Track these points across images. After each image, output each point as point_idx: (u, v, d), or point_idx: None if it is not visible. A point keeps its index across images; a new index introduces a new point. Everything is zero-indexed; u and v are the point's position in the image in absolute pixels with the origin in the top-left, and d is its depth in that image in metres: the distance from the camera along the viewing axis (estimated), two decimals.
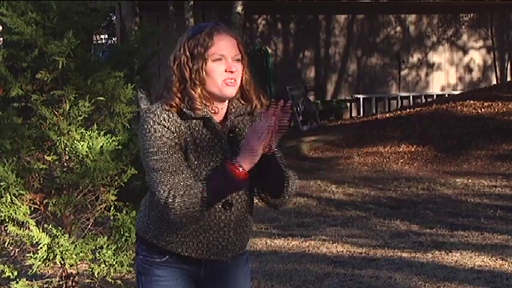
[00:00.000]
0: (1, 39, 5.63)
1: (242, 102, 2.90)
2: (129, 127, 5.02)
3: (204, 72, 2.79)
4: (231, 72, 2.80)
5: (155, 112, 2.80)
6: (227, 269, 3.02)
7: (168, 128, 2.78)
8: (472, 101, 15.58)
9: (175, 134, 2.79)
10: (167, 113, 2.80)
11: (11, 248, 5.00)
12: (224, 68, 2.79)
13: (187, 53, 2.80)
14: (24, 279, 4.97)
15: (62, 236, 4.81)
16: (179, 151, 2.80)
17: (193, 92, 2.79)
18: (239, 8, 13.06)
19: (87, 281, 5.13)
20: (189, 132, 2.82)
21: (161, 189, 2.76)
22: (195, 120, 2.83)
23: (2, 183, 4.76)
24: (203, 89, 2.81)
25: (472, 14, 18.78)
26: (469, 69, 18.93)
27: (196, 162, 2.82)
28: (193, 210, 2.75)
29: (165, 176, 2.76)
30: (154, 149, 2.78)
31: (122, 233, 4.90)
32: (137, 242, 3.05)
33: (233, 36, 2.83)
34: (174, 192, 2.74)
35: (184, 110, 2.80)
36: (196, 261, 2.95)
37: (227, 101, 2.89)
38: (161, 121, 2.78)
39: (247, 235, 3.00)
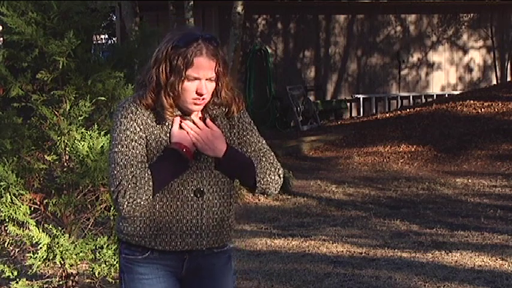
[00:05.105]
0: (1, 39, 5.64)
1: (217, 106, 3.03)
2: None
3: (179, 88, 2.91)
4: (201, 94, 2.92)
5: (124, 105, 2.95)
6: (209, 266, 3.05)
7: (134, 121, 2.92)
8: (472, 101, 15.58)
9: (141, 127, 2.92)
10: (136, 106, 2.93)
11: (11, 248, 5.00)
12: (196, 89, 2.91)
13: (168, 62, 2.91)
14: (24, 279, 4.97)
15: (62, 236, 4.81)
16: (140, 145, 2.92)
17: (165, 101, 2.92)
18: (239, 8, 13.06)
19: (87, 281, 5.13)
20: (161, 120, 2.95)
21: (112, 185, 2.88)
22: None
23: (2, 183, 4.76)
24: (175, 100, 2.94)
25: (472, 14, 18.78)
26: (469, 69, 18.92)
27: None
28: (140, 201, 2.86)
29: (118, 169, 2.87)
30: (116, 142, 2.92)
31: None
32: (119, 241, 3.11)
33: (214, 59, 2.91)
34: (121, 188, 2.85)
35: (157, 109, 2.94)
36: (178, 256, 2.99)
37: None
38: (128, 114, 2.92)
39: (225, 229, 3.03)
